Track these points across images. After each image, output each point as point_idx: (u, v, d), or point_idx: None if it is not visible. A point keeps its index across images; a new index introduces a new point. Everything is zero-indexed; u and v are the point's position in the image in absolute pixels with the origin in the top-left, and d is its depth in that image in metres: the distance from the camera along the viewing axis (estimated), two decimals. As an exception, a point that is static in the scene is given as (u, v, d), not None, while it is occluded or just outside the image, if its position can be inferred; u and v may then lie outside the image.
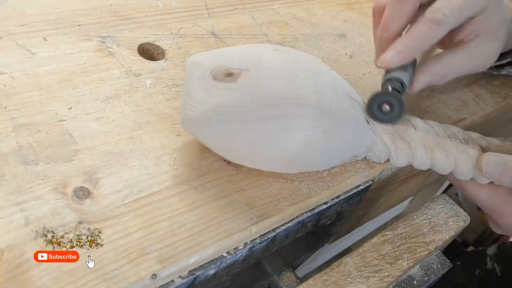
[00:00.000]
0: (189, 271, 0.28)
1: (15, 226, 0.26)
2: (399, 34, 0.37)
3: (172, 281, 0.27)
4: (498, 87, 0.51)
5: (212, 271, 0.29)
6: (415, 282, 0.34)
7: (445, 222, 0.37)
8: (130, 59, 0.38)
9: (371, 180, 0.37)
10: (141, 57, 0.39)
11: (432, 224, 0.38)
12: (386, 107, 0.33)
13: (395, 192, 0.49)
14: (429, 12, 0.35)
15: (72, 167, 0.29)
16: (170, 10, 0.45)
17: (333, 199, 0.35)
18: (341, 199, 0.35)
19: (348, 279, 0.32)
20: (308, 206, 0.33)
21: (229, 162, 0.33)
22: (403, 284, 0.34)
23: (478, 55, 0.38)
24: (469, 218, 0.38)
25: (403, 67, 0.36)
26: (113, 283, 0.25)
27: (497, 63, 0.48)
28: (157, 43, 0.41)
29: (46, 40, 0.37)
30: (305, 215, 0.33)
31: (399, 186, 0.47)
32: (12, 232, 0.25)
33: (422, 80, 0.37)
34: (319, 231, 0.39)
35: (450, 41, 0.40)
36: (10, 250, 0.25)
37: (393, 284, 0.33)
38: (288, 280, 0.41)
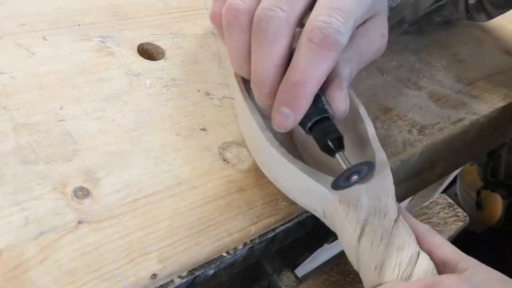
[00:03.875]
0: (189, 271, 0.28)
1: (14, 226, 0.26)
2: (279, 81, 0.28)
3: (172, 281, 0.27)
4: (498, 87, 0.51)
5: (211, 271, 0.29)
6: (414, 282, 0.34)
7: (445, 222, 0.37)
8: (130, 59, 0.38)
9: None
10: (140, 57, 0.39)
11: (431, 224, 0.38)
12: (355, 177, 0.27)
13: (395, 192, 0.49)
14: (314, 31, 0.26)
15: (72, 167, 0.29)
16: (170, 10, 0.45)
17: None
18: (341, 199, 0.35)
19: (348, 279, 0.32)
20: (307, 206, 0.33)
21: (228, 162, 0.33)
22: (402, 284, 0.34)
23: (372, 40, 0.32)
24: (468, 218, 0.38)
25: None
26: (113, 283, 0.25)
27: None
28: (157, 43, 0.41)
29: (46, 40, 0.37)
30: (305, 215, 0.33)
31: (399, 186, 0.47)
32: (11, 232, 0.25)
33: (343, 98, 0.29)
34: (318, 231, 0.39)
35: None
36: (10, 250, 0.25)
37: (392, 284, 0.33)
38: (287, 280, 0.41)
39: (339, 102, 0.28)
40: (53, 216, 0.27)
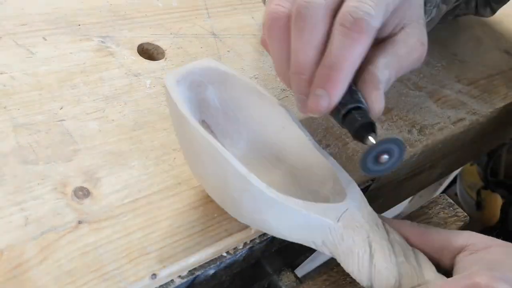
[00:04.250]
0: (189, 271, 0.28)
1: (14, 226, 0.26)
2: (316, 68, 0.28)
3: (172, 281, 0.27)
4: (498, 87, 0.51)
5: (211, 271, 0.29)
6: (414, 282, 0.34)
7: (445, 222, 0.37)
8: (130, 59, 0.38)
9: (371, 180, 0.37)
10: (140, 57, 0.39)
11: (431, 224, 0.38)
12: (385, 157, 0.26)
13: (395, 192, 0.49)
14: (345, 16, 0.26)
15: (72, 167, 0.29)
16: (169, 10, 0.45)
17: (332, 199, 0.35)
18: (341, 199, 0.35)
19: (348, 279, 0.32)
20: (307, 206, 0.33)
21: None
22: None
23: (412, 47, 0.31)
24: (468, 218, 0.38)
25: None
26: (113, 283, 0.25)
27: None
28: (156, 43, 0.41)
29: (45, 40, 0.37)
30: (305, 215, 0.33)
31: (399, 186, 0.47)
32: (12, 232, 0.25)
33: (379, 99, 0.29)
34: (318, 231, 0.39)
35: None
36: (10, 250, 0.25)
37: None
38: (287, 280, 0.41)
39: (375, 102, 0.28)
40: (53, 216, 0.27)
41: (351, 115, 0.28)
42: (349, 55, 0.27)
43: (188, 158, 0.30)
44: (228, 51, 0.43)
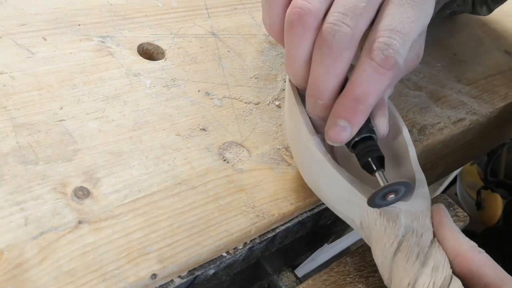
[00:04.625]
0: (189, 271, 0.28)
1: (14, 226, 0.26)
2: (335, 95, 0.29)
3: (172, 281, 0.27)
4: (498, 87, 0.51)
5: (211, 271, 0.29)
6: (414, 282, 0.34)
7: (445, 222, 0.37)
8: (130, 59, 0.38)
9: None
10: (140, 57, 0.39)
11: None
12: (391, 196, 0.27)
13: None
14: (376, 52, 0.27)
15: (72, 167, 0.29)
16: (169, 10, 0.45)
17: (332, 199, 0.35)
18: (341, 199, 0.35)
19: (348, 279, 0.32)
20: (307, 206, 0.33)
21: (228, 162, 0.33)
22: (402, 284, 0.34)
23: (410, 60, 0.32)
24: (468, 218, 0.38)
25: None
26: (112, 283, 0.25)
27: None
28: (156, 43, 0.41)
29: (45, 39, 0.37)
30: (305, 215, 0.33)
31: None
32: (11, 232, 0.25)
33: (386, 123, 0.30)
34: (318, 231, 0.39)
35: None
36: (9, 250, 0.25)
37: (392, 284, 0.33)
38: (287, 280, 0.41)
39: (382, 127, 0.30)
40: (53, 216, 0.27)
41: (361, 146, 0.29)
42: (376, 89, 0.27)
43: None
44: (228, 51, 0.43)
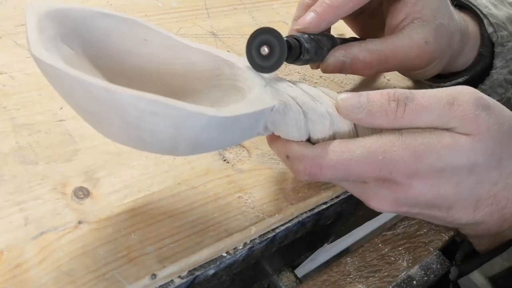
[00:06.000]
0: (189, 271, 0.28)
1: (14, 226, 0.26)
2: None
3: (172, 281, 0.27)
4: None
5: (211, 271, 0.29)
6: (414, 282, 0.34)
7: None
8: (130, 59, 0.38)
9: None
10: (141, 57, 0.39)
11: (431, 224, 0.38)
12: (265, 49, 0.27)
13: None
14: None
15: (72, 167, 0.29)
16: (169, 10, 0.45)
17: (332, 199, 0.35)
18: (341, 199, 0.35)
19: (348, 279, 0.32)
20: (307, 206, 0.33)
21: (228, 162, 0.33)
22: (402, 284, 0.34)
23: (412, 45, 0.34)
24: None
25: (318, 38, 0.32)
26: (112, 283, 0.25)
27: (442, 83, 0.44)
28: (157, 43, 0.41)
29: (45, 40, 0.37)
30: (305, 215, 0.33)
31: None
32: (11, 232, 0.25)
33: (337, 58, 0.32)
34: (318, 231, 0.39)
35: (382, 30, 0.37)
36: (9, 250, 0.25)
37: (392, 284, 0.33)
38: (287, 280, 0.41)
39: (330, 58, 0.33)
40: (53, 216, 0.27)
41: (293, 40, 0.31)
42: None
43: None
44: (228, 51, 0.43)
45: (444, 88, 0.26)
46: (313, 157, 0.26)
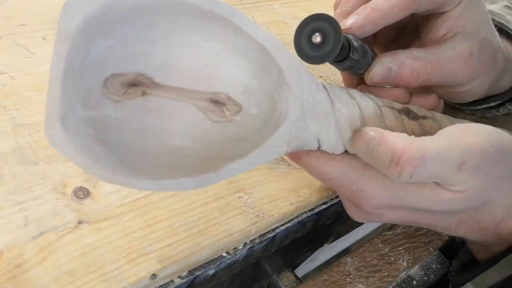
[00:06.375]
0: (189, 271, 0.28)
1: (14, 226, 0.26)
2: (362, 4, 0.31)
3: (172, 281, 0.27)
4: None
5: (211, 271, 0.29)
6: (414, 282, 0.34)
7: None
8: (130, 59, 0.38)
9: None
10: (141, 57, 0.39)
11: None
12: (317, 37, 0.24)
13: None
14: None
15: (72, 167, 0.29)
16: (170, 10, 0.45)
17: (332, 199, 0.35)
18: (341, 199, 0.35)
19: (348, 279, 0.32)
20: (307, 206, 0.33)
21: (228, 162, 0.33)
22: (402, 284, 0.34)
23: (455, 56, 0.32)
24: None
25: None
26: (112, 283, 0.25)
27: (482, 106, 0.42)
28: (157, 43, 0.41)
29: (45, 39, 0.37)
30: (305, 215, 0.33)
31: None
32: (11, 232, 0.25)
33: (383, 64, 0.30)
34: (318, 231, 0.39)
35: (422, 42, 0.35)
36: (9, 250, 0.25)
37: (392, 284, 0.33)
38: (287, 280, 0.41)
39: (373, 68, 0.31)
40: (53, 216, 0.27)
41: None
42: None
43: None
44: (228, 51, 0.43)
45: (457, 143, 0.25)
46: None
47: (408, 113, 0.30)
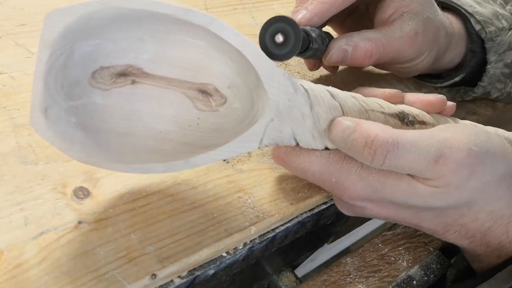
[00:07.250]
0: (189, 271, 0.28)
1: (14, 226, 0.26)
2: None
3: (172, 281, 0.27)
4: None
5: (211, 271, 0.29)
6: (414, 282, 0.34)
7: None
8: (130, 59, 0.38)
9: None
10: (140, 57, 0.39)
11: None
12: (280, 38, 0.26)
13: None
14: None
15: (72, 167, 0.29)
16: (170, 10, 0.45)
17: (332, 199, 0.35)
18: (341, 199, 0.35)
19: (348, 279, 0.32)
20: (307, 206, 0.33)
21: (228, 162, 0.33)
22: (402, 284, 0.34)
23: (403, 36, 0.35)
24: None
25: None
26: (112, 283, 0.25)
27: (442, 84, 0.45)
28: (156, 43, 0.41)
29: (45, 40, 0.37)
30: (305, 215, 0.33)
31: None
32: (11, 232, 0.25)
33: (339, 47, 0.33)
34: (318, 231, 0.39)
35: (372, 23, 0.38)
36: (9, 250, 0.25)
37: (392, 284, 0.33)
38: (287, 280, 0.41)
39: (333, 49, 0.34)
40: (53, 216, 0.27)
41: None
42: None
43: None
44: (228, 51, 0.43)
45: (436, 136, 0.26)
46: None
47: (402, 118, 0.30)
